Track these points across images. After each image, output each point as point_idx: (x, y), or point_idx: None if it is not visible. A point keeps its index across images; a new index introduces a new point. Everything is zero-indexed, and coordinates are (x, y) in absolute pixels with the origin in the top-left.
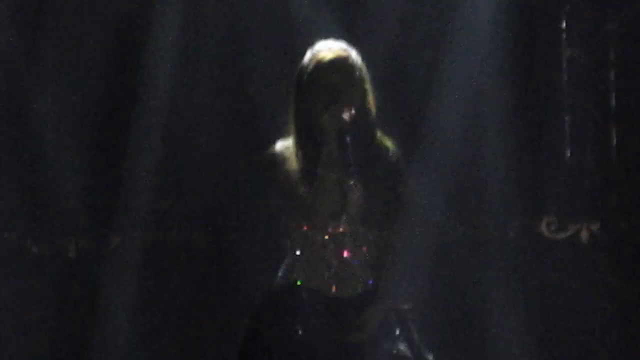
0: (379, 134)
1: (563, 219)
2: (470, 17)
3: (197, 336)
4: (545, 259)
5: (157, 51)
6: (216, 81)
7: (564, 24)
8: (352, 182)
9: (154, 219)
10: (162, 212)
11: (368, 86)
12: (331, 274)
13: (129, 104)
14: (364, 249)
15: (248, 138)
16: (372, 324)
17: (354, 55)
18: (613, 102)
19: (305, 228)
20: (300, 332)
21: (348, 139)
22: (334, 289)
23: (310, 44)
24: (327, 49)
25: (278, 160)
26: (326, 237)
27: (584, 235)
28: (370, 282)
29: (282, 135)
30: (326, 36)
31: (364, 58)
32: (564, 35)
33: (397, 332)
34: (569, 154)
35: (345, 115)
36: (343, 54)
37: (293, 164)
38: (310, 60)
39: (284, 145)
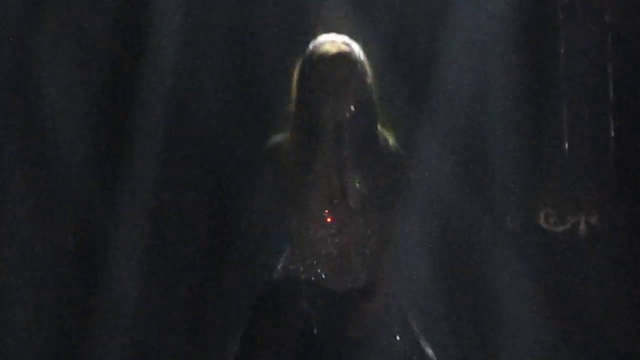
0: (379, 126)
1: (562, 211)
2: (468, 11)
3: (198, 328)
4: (544, 252)
5: (159, 41)
6: (218, 73)
7: (561, 17)
8: (350, 175)
9: (156, 213)
10: (163, 206)
11: (369, 80)
12: (330, 266)
13: (130, 97)
14: (364, 241)
15: (249, 130)
16: (372, 317)
17: (356, 49)
18: (611, 94)
19: (303, 220)
20: (299, 324)
21: (345, 132)
22: (332, 281)
23: (313, 34)
24: (330, 42)
25: (277, 152)
26: (324, 229)
27: (583, 227)
28: (370, 274)
29: (283, 127)
30: (329, 27)
31: (365, 49)
32: (562, 27)
33: (396, 325)
34: (567, 146)
35: (344, 110)
36: (345, 48)
37: (291, 156)
38: (312, 53)
39: (284, 136)
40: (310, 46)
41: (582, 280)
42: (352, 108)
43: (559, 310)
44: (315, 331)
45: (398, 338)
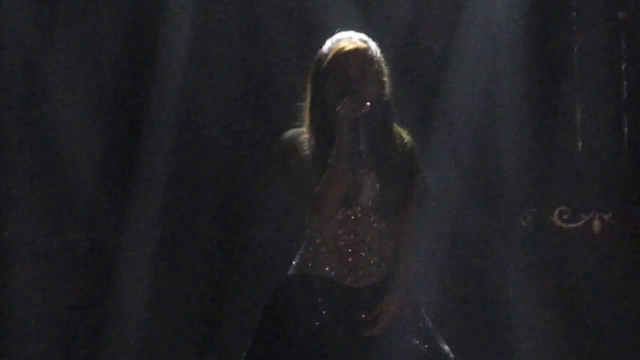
0: (394, 125)
1: (575, 208)
2: (482, 9)
3: (210, 328)
4: (558, 249)
5: (171, 42)
6: (230, 70)
7: (574, 14)
8: (364, 173)
9: (167, 211)
10: (175, 204)
11: (386, 78)
12: (344, 264)
13: (142, 97)
14: (378, 239)
15: (262, 128)
16: (387, 316)
17: (373, 47)
18: (625, 91)
19: (317, 217)
20: (313, 322)
21: (361, 130)
22: (347, 279)
23: (326, 31)
24: (347, 39)
25: (290, 148)
26: (339, 227)
27: (596, 224)
28: (385, 271)
29: (296, 123)
30: (344, 24)
31: (380, 47)
32: (575, 25)
33: (412, 323)
34: (581, 144)
35: (360, 107)
36: (362, 45)
37: (305, 152)
38: (329, 50)
39: (297, 132)
40: (327, 42)
41: (596, 277)
42: (368, 105)
43: (572, 306)
44: (330, 329)
45: (414, 335)
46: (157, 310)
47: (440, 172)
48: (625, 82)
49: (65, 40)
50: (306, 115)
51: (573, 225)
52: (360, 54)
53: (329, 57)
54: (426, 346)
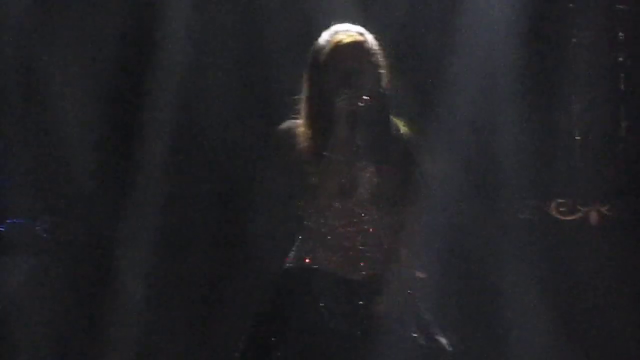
0: (393, 117)
1: (573, 200)
2: (481, 1)
3: (209, 320)
4: (556, 241)
5: (170, 30)
6: (228, 64)
7: (572, 5)
8: (362, 165)
9: (165, 203)
10: (173, 196)
11: (384, 70)
12: (341, 256)
13: (141, 89)
14: (376, 231)
15: (261, 120)
16: (385, 307)
17: (371, 39)
18: (623, 83)
19: (314, 209)
20: (311, 314)
21: (359, 122)
22: (345, 271)
23: (324, 24)
24: (344, 31)
25: (287, 139)
26: (336, 219)
27: (594, 216)
28: (382, 264)
29: (293, 114)
30: (341, 17)
31: (378, 39)
32: (573, 17)
33: (411, 315)
34: (578, 136)
35: (358, 100)
36: (360, 38)
37: (302, 143)
38: (327, 42)
39: (294, 124)
40: (324, 34)
41: (594, 268)
42: (366, 97)
43: (569, 298)
44: (328, 320)
45: (412, 327)
46: (155, 302)
47: (438, 165)
48: (623, 74)
49: (64, 32)
50: (303, 107)
51: (570, 218)
52: (357, 46)
53: (327, 49)
54: (424, 338)
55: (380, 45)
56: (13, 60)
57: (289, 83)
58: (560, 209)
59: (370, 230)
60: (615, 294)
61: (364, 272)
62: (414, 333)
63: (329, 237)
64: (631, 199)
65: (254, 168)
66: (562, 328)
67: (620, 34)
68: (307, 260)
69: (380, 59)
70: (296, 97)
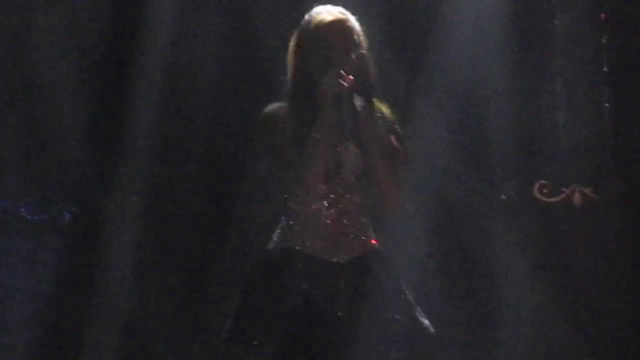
0: (376, 99)
1: (556, 182)
2: None
3: (194, 301)
4: (539, 222)
5: (158, 10)
6: (217, 41)
7: None
8: (346, 146)
9: (151, 183)
10: (160, 176)
11: (366, 51)
12: (325, 238)
13: (129, 66)
14: (359, 213)
15: (249, 99)
16: (367, 288)
17: (353, 19)
18: (605, 64)
19: (298, 191)
20: (294, 296)
21: (345, 103)
22: (328, 253)
23: (311, 5)
24: (326, 12)
25: (272, 121)
26: (320, 200)
27: (577, 198)
28: (365, 247)
29: (280, 97)
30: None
31: (364, 19)
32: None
33: (393, 297)
34: (561, 118)
35: (343, 80)
36: (342, 17)
37: (287, 125)
38: (309, 23)
39: (279, 106)
40: (307, 16)
41: (577, 250)
42: (352, 78)
43: (553, 280)
44: (310, 303)
45: (394, 309)
46: (142, 281)
47: (420, 146)
48: (606, 55)
49: (52, 8)
50: (288, 89)
51: (554, 199)
52: (340, 24)
53: (309, 30)
54: (407, 320)
55: (364, 25)
56: None
57: (275, 65)
58: (543, 190)
59: (354, 212)
60: (599, 275)
61: (347, 254)
62: (396, 315)
63: (312, 219)
64: (614, 180)
65: (239, 151)
66: (546, 310)
67: (604, 15)
68: (290, 242)
69: (363, 39)
70: (281, 78)
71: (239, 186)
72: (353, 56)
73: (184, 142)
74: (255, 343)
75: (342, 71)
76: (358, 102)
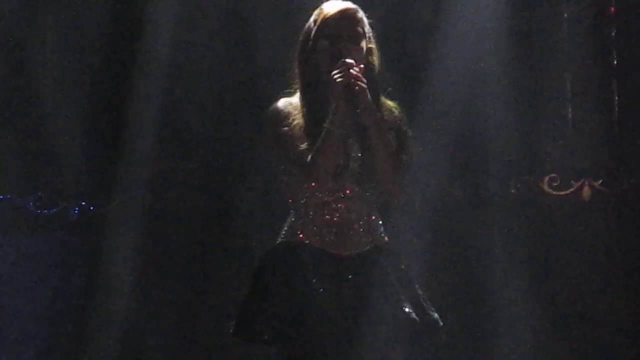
0: (381, 95)
1: (565, 175)
2: None
3: (200, 296)
4: (548, 216)
5: (160, 8)
6: (218, 37)
7: None
8: (353, 142)
9: (155, 180)
10: (163, 172)
11: (373, 45)
12: (332, 232)
13: (130, 63)
14: (366, 208)
15: (250, 96)
16: (375, 281)
17: (361, 12)
18: (614, 59)
19: (307, 186)
20: (302, 290)
21: (357, 93)
22: (335, 247)
23: (310, 6)
24: (335, 4)
25: (281, 116)
26: (328, 195)
27: (586, 191)
28: (372, 241)
29: (285, 91)
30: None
31: (368, 18)
32: None
33: (401, 291)
34: (570, 111)
35: (354, 70)
36: (351, 8)
37: (297, 120)
38: (318, 15)
39: (288, 101)
40: (316, 10)
41: (586, 243)
42: (361, 68)
43: (561, 272)
44: (318, 297)
45: (403, 303)
46: (146, 277)
47: (429, 139)
48: (614, 49)
49: (52, 13)
50: (298, 83)
51: (563, 193)
52: (349, 14)
53: (318, 22)
54: (415, 314)
55: (371, 23)
56: None
57: (280, 59)
58: (552, 184)
59: (362, 206)
60: (608, 269)
61: (355, 248)
62: (405, 308)
63: (319, 214)
64: (624, 174)
65: (247, 144)
66: (556, 303)
67: (612, 9)
68: (299, 236)
69: (370, 32)
70: (289, 73)
71: (247, 181)
72: (361, 48)
73: (188, 138)
74: (264, 337)
75: (351, 62)
76: (367, 95)
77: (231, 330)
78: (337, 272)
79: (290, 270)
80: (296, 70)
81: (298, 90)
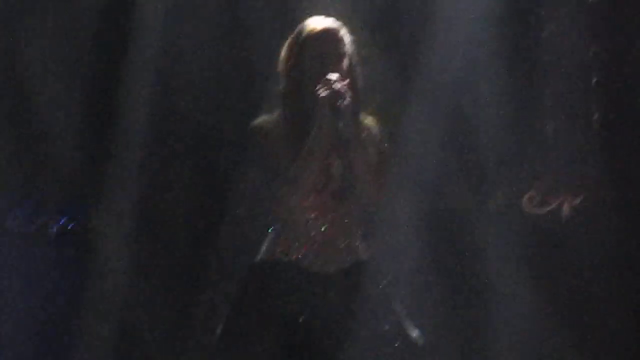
0: (364, 111)
1: (544, 193)
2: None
3: (184, 312)
4: (527, 234)
5: (148, 21)
6: (207, 51)
7: None
8: (334, 158)
9: (142, 193)
10: (150, 187)
11: (356, 61)
12: (315, 249)
13: (118, 78)
14: (347, 224)
15: (238, 108)
16: (356, 299)
17: (344, 30)
18: (594, 76)
19: (289, 202)
20: (285, 307)
21: (340, 110)
22: (317, 265)
23: (300, 17)
24: (319, 21)
25: (263, 133)
26: (310, 211)
27: (566, 209)
28: (354, 257)
29: (269, 106)
30: (316, 11)
31: (355, 29)
32: (545, 10)
33: (383, 309)
34: (550, 129)
35: (338, 86)
36: (334, 25)
37: (279, 136)
38: (301, 32)
39: (269, 117)
40: (299, 26)
41: (565, 262)
42: (345, 84)
43: (542, 291)
44: (300, 314)
45: (384, 320)
46: (133, 292)
47: (409, 158)
48: (595, 66)
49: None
50: (281, 99)
51: (542, 210)
52: (333, 33)
53: (302, 38)
54: (395, 332)
55: (355, 36)
56: None
57: (269, 74)
58: (532, 202)
59: (342, 222)
60: (588, 287)
61: (335, 266)
62: (386, 326)
63: (301, 230)
64: (604, 191)
65: (229, 162)
66: (536, 322)
67: (592, 26)
68: (278, 254)
69: (353, 49)
70: (275, 88)
71: (227, 198)
72: (344, 64)
73: (172, 154)
74: (245, 356)
75: (337, 75)
76: (350, 109)
77: (213, 349)
78: (318, 289)
79: (270, 289)
80: (280, 87)
81: (279, 106)
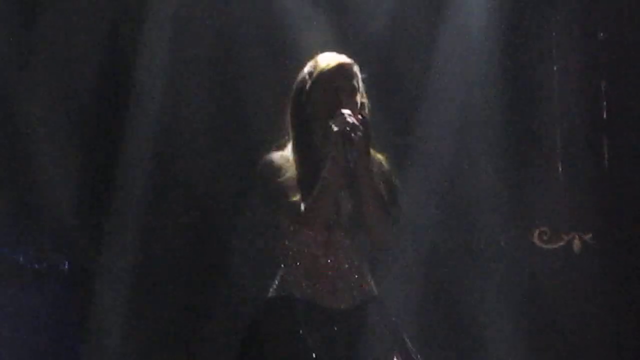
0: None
1: (555, 228)
2: (460, 25)
3: (189, 351)
4: (538, 269)
5: (149, 55)
6: (209, 85)
7: (554, 34)
8: (345, 194)
9: (145, 232)
10: (152, 225)
11: (365, 100)
12: (324, 286)
13: (120, 115)
14: (357, 259)
15: (241, 143)
16: (368, 337)
17: (356, 67)
18: (604, 112)
19: (298, 238)
20: (295, 344)
21: (355, 142)
22: (328, 301)
23: (302, 48)
24: (331, 57)
25: (274, 168)
26: (320, 247)
27: (576, 245)
28: (365, 292)
29: (275, 142)
30: (318, 42)
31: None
32: (555, 45)
33: (391, 344)
34: (561, 165)
35: (352, 119)
36: (348, 61)
37: (290, 171)
38: (314, 67)
39: (279, 153)
40: (311, 62)
41: (577, 297)
42: (358, 118)
43: (552, 325)
44: (311, 351)
45: (393, 355)
46: (135, 330)
47: (419, 193)
48: (605, 102)
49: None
50: (291, 135)
51: (553, 246)
52: (347, 67)
53: (315, 74)
54: None
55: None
56: None
57: (267, 115)
58: (543, 238)
59: (353, 257)
60: (598, 322)
61: (347, 301)
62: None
63: (311, 267)
64: (614, 227)
65: (237, 198)
66: (544, 355)
67: (603, 62)
68: (289, 291)
69: (363, 85)
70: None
71: (236, 235)
72: (357, 100)
73: (177, 194)
74: None
75: (350, 109)
76: (360, 149)
77: None
78: (329, 326)
79: (281, 325)
80: (289, 121)
81: (289, 142)
